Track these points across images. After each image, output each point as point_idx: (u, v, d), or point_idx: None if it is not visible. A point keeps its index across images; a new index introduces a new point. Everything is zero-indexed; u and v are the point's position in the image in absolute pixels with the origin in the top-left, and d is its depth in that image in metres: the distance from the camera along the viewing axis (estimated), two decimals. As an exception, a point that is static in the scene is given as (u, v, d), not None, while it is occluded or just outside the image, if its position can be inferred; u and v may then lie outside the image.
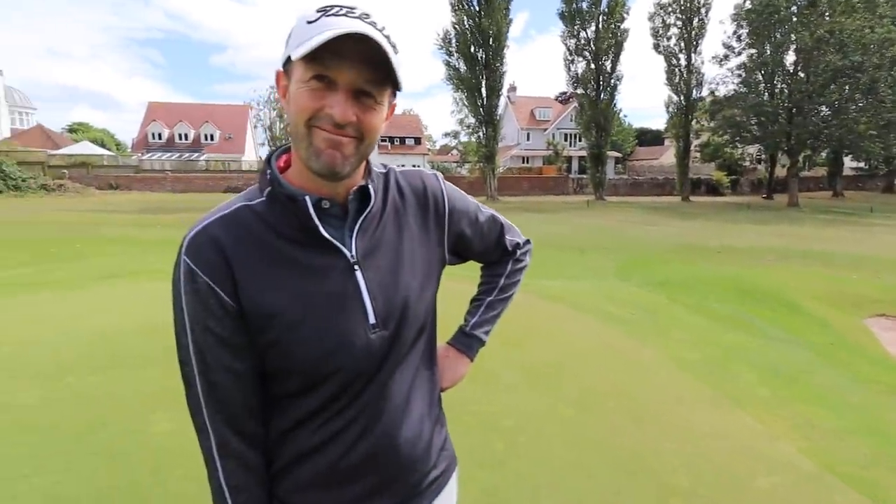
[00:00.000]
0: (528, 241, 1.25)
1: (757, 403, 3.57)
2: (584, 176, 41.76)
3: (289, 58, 0.79)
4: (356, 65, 0.76)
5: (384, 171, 0.99)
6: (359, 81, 0.78)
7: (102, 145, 46.68)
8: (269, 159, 0.89)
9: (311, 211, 0.83)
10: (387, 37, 0.77)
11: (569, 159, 49.87)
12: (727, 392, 3.74)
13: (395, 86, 0.81)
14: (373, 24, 0.76)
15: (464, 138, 60.08)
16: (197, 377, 0.84)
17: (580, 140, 45.09)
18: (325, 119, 0.78)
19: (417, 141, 51.99)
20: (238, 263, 0.82)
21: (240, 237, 0.83)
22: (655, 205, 31.68)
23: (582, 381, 3.87)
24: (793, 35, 29.39)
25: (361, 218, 0.88)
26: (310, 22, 0.76)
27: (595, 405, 3.45)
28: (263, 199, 0.86)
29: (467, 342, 1.17)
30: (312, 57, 0.74)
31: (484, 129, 33.31)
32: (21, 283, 7.08)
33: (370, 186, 0.89)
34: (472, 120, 34.64)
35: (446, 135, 73.75)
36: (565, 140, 52.02)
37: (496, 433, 3.02)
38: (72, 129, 55.27)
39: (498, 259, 1.20)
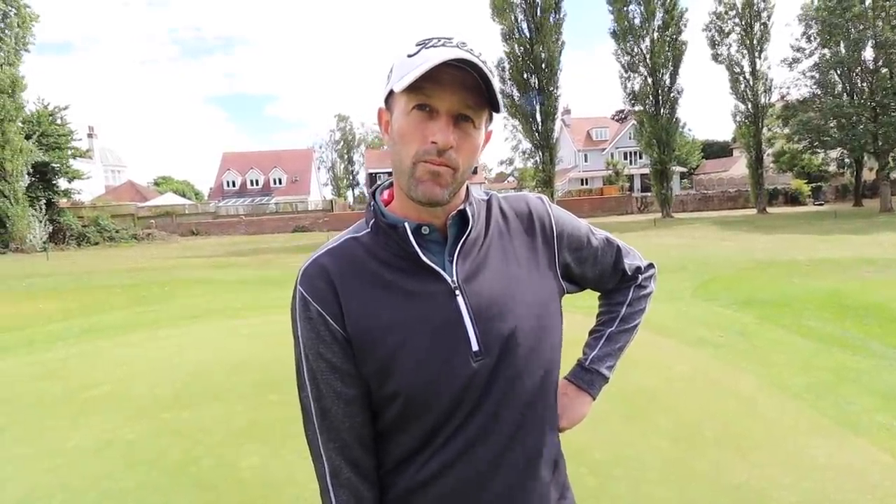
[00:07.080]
0: (651, 265, 1.16)
1: (878, 431, 3.21)
2: (649, 194, 40.38)
3: (390, 93, 0.84)
4: (456, 91, 0.80)
5: (486, 197, 1.00)
6: (459, 106, 0.81)
7: (184, 195, 50.65)
8: (373, 193, 0.94)
9: (411, 237, 0.85)
10: (483, 62, 0.80)
11: (630, 178, 48.59)
12: (842, 419, 3.37)
13: (492, 107, 0.84)
14: (470, 51, 0.80)
15: (519, 164, 60.26)
16: (312, 403, 0.87)
17: (641, 157, 43.93)
18: (430, 152, 0.80)
19: (474, 170, 52.49)
20: (344, 291, 0.85)
21: (345, 266, 0.87)
22: (728, 219, 29.96)
23: (675, 410, 3.62)
24: (870, 31, 27.47)
25: (461, 242, 0.88)
26: (410, 56, 0.80)
27: (693, 436, 3.20)
28: (368, 230, 0.91)
29: (588, 378, 1.08)
30: (414, 87, 0.78)
31: (540, 153, 33.09)
32: (117, 325, 7.64)
33: (468, 210, 0.89)
34: (527, 146, 34.55)
35: (501, 162, 74.46)
36: (625, 159, 50.87)
37: (586, 467, 2.84)
38: (157, 183, 60.44)
39: (616, 286, 1.13)
